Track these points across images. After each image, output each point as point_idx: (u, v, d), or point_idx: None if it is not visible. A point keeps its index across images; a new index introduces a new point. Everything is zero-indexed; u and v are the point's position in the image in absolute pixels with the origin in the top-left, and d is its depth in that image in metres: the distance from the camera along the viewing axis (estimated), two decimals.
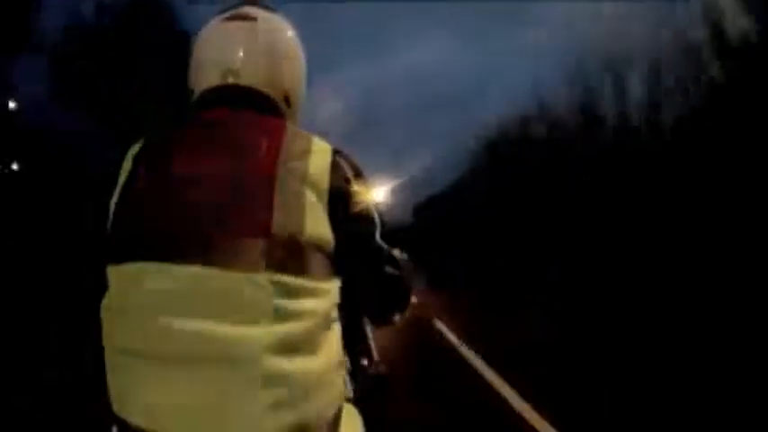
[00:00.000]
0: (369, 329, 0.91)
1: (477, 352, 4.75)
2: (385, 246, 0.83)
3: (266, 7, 0.88)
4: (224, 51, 0.82)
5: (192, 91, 0.86)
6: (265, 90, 0.83)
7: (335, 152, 0.77)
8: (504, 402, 3.29)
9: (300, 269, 0.67)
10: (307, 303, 0.68)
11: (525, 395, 3.29)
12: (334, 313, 0.73)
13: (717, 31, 10.61)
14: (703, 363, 3.80)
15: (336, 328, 0.74)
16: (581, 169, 14.23)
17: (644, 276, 8.66)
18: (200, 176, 0.70)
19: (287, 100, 0.87)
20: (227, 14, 0.85)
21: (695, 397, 3.06)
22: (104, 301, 0.72)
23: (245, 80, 0.81)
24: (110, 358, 0.70)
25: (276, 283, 0.65)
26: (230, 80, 0.81)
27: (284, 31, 0.88)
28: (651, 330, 5.26)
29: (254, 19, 0.84)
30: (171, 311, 0.65)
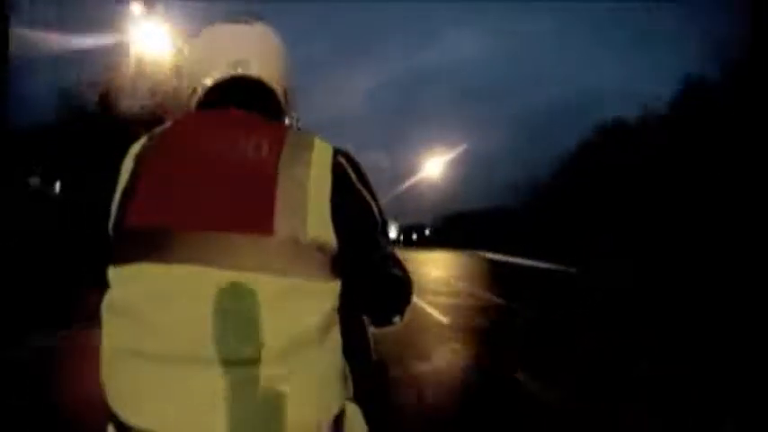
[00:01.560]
0: (369, 329, 0.91)
1: None
2: (387, 245, 0.83)
3: (255, 17, 0.91)
4: (233, 45, 0.85)
5: (195, 89, 0.87)
6: (271, 83, 0.85)
7: (337, 152, 0.76)
8: None
9: (302, 270, 0.67)
10: (308, 305, 0.68)
11: None
12: (335, 315, 0.73)
13: None
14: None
15: (337, 330, 0.73)
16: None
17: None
18: (202, 177, 0.70)
19: (286, 91, 0.89)
20: (227, 20, 0.88)
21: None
22: (104, 301, 0.71)
23: (254, 71, 0.83)
24: (109, 358, 0.70)
25: (277, 284, 0.66)
26: (239, 70, 0.83)
27: (275, 34, 0.91)
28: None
29: (252, 23, 0.87)
30: (171, 311, 0.65)
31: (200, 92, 0.86)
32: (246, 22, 0.87)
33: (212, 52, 0.86)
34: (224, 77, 0.84)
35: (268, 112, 0.83)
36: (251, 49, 0.85)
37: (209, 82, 0.85)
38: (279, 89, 0.87)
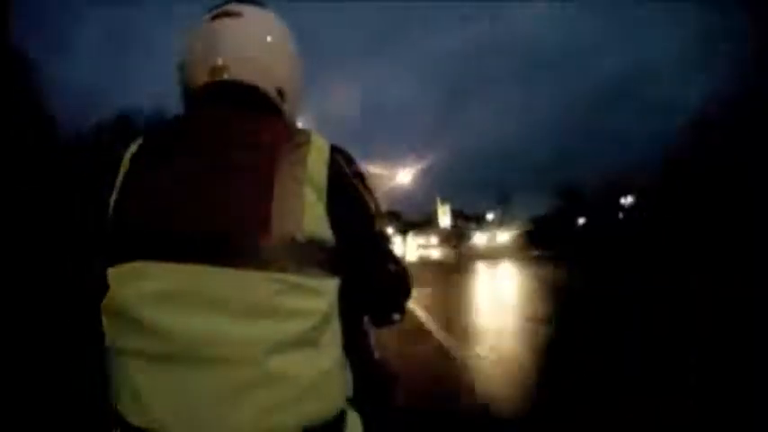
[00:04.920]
0: (370, 328, 0.91)
1: None
2: (385, 242, 0.83)
3: (254, 2, 0.88)
4: (211, 49, 0.83)
5: (184, 92, 0.87)
6: (256, 84, 0.83)
7: (334, 149, 0.77)
8: None
9: (300, 267, 0.68)
10: (306, 302, 0.68)
11: None
12: (335, 312, 0.73)
13: None
14: None
15: (337, 328, 0.73)
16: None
17: None
18: (199, 176, 0.71)
19: (280, 93, 0.87)
20: (213, 13, 0.85)
21: None
22: (105, 302, 0.72)
23: (233, 75, 0.82)
24: (111, 358, 0.70)
25: (276, 282, 0.66)
26: (218, 77, 0.81)
27: (272, 25, 0.88)
28: None
29: (240, 15, 0.84)
30: (171, 311, 0.66)
31: (188, 96, 0.85)
32: (231, 14, 0.84)
33: (193, 57, 0.85)
34: (206, 84, 0.82)
35: (261, 112, 0.82)
36: (232, 52, 0.82)
37: (192, 87, 0.84)
38: (267, 87, 0.85)
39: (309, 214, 0.69)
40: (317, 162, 0.73)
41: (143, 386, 0.66)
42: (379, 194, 0.82)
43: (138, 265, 0.68)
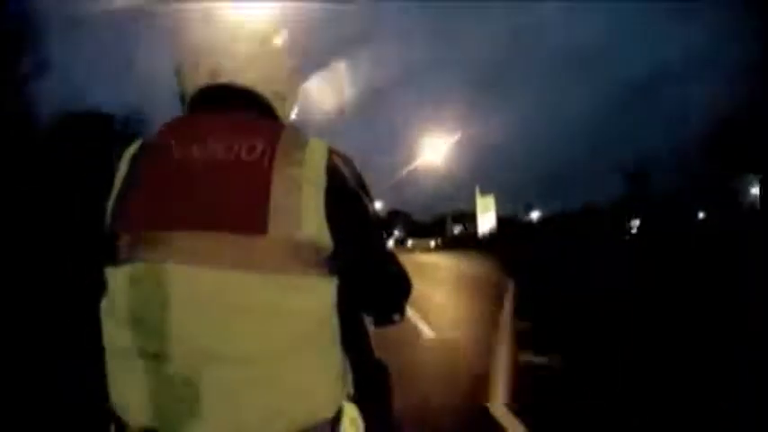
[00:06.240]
0: (369, 328, 0.91)
1: None
2: (383, 243, 0.83)
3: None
4: (209, 51, 0.83)
5: (182, 93, 0.87)
6: (254, 86, 0.83)
7: (332, 152, 0.77)
8: None
9: (298, 268, 0.68)
10: (305, 303, 0.68)
11: None
12: (334, 313, 0.73)
13: None
14: None
15: (336, 328, 0.74)
16: None
17: None
18: (197, 178, 0.71)
19: (278, 96, 0.87)
20: (210, 15, 0.85)
21: None
22: (103, 303, 0.72)
23: (231, 78, 0.82)
24: (109, 358, 0.71)
25: (275, 283, 0.66)
26: (217, 79, 0.82)
27: (269, 26, 0.88)
28: None
29: (237, 17, 0.85)
30: (170, 311, 0.66)
31: (187, 98, 0.85)
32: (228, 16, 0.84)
33: (191, 58, 0.85)
34: (204, 86, 0.83)
35: (259, 115, 0.82)
36: (230, 55, 0.82)
37: (191, 90, 0.84)
38: (264, 88, 0.85)
39: (307, 216, 0.69)
40: (315, 164, 0.73)
41: (142, 386, 0.66)
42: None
43: (136, 266, 0.68)
